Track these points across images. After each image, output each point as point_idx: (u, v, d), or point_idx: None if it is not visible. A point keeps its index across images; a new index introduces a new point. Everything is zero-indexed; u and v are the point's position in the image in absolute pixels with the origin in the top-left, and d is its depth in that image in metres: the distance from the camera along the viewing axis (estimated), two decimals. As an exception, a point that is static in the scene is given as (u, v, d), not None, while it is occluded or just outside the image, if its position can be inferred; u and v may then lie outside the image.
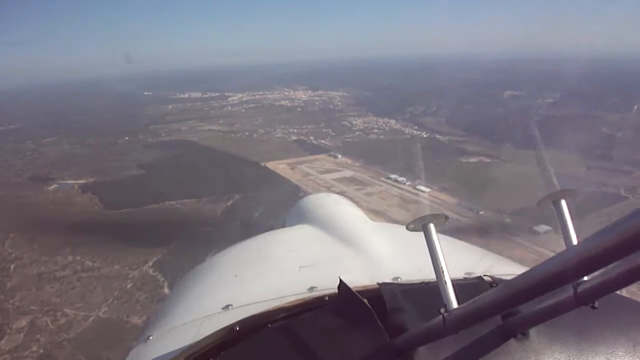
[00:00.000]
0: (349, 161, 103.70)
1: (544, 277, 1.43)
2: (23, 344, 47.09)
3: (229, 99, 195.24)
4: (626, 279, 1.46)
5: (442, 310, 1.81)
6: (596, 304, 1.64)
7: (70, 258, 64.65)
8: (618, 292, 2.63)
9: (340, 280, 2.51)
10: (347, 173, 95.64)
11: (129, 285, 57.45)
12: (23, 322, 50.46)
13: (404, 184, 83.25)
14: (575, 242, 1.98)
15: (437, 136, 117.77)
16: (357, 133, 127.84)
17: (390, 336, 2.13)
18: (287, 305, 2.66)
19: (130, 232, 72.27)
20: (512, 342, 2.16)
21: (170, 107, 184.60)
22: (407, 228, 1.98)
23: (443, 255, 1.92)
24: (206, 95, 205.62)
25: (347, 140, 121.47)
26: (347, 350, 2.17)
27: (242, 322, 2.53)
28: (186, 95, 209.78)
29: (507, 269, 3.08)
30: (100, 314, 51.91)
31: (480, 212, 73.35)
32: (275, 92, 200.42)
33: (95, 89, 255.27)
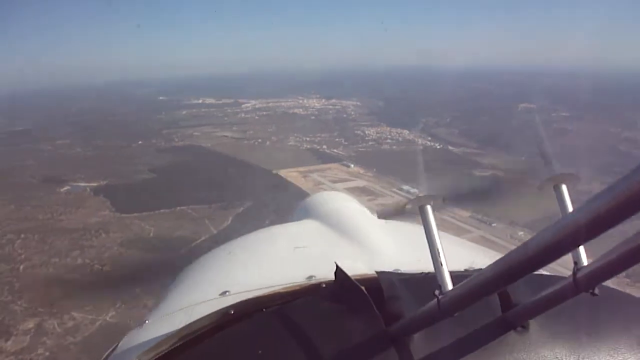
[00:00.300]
0: (362, 171, 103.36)
1: (540, 248, 1.38)
2: (29, 346, 46.92)
3: (243, 105, 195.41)
4: (626, 262, 1.46)
5: (437, 292, 1.80)
6: (596, 291, 1.75)
7: (79, 261, 64.65)
8: (622, 289, 2.72)
9: (337, 266, 2.46)
10: (360, 183, 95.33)
11: (137, 290, 57.19)
12: (30, 323, 50.27)
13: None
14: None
15: (451, 148, 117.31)
16: (370, 143, 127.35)
17: (387, 324, 2.11)
18: (283, 290, 2.62)
19: (140, 236, 72.47)
20: (511, 335, 2.16)
21: (184, 112, 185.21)
22: (404, 209, 1.99)
23: (439, 237, 1.92)
24: (220, 102, 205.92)
25: (360, 149, 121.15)
26: (341, 336, 2.14)
27: (236, 306, 2.51)
28: (200, 101, 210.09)
29: None
30: (108, 318, 51.71)
31: (493, 224, 72.91)
32: (289, 100, 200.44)
33: (110, 93, 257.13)
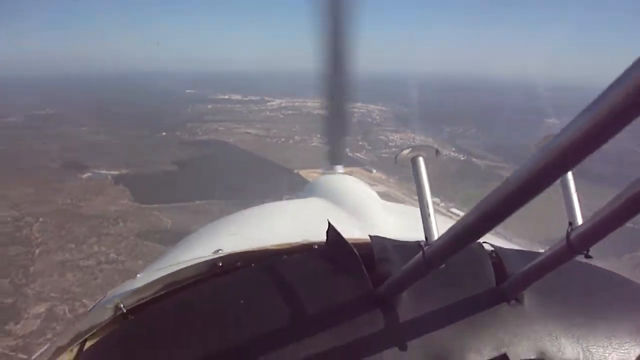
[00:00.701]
0: (384, 176, 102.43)
1: (523, 180, 1.28)
2: (38, 331, 46.81)
3: (268, 103, 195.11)
4: (618, 219, 1.51)
5: (422, 242, 1.81)
6: (590, 254, 1.83)
7: (95, 248, 64.75)
8: (624, 274, 2.70)
9: (329, 224, 2.42)
10: (381, 188, 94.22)
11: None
12: (41, 308, 50.34)
13: (438, 205, 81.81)
14: (576, 201, 2.01)
15: (474, 160, 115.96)
16: (393, 149, 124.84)
17: (377, 286, 2.14)
18: (274, 247, 2.59)
19: (157, 228, 72.41)
20: (504, 307, 2.20)
21: (209, 106, 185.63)
22: (396, 161, 1.99)
23: (429, 189, 1.98)
24: (246, 98, 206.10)
25: (382, 155, 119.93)
26: (327, 294, 2.16)
27: (225, 258, 2.49)
28: (227, 97, 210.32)
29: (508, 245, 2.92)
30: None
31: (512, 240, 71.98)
32: (315, 100, 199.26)
33: (139, 82, 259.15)
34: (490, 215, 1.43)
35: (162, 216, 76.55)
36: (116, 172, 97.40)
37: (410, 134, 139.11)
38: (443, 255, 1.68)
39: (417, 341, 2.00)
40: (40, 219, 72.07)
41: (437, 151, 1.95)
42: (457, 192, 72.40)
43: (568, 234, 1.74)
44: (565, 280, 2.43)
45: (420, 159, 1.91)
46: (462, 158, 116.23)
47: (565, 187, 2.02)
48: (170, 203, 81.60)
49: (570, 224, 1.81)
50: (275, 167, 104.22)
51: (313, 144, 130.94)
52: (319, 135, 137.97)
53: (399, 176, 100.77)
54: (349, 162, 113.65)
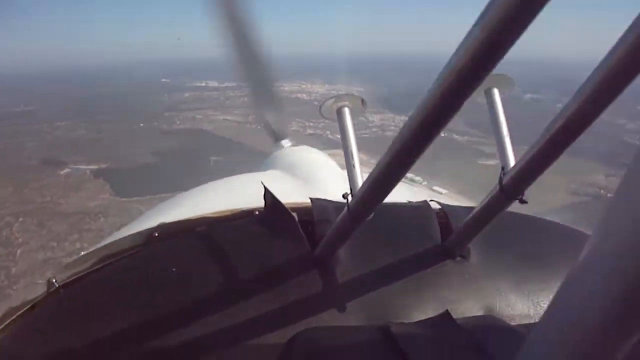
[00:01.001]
0: (365, 157, 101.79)
1: (430, 110, 1.20)
2: (24, 332, 46.32)
3: (246, 89, 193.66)
4: (547, 157, 1.53)
5: (347, 194, 1.80)
6: (525, 198, 1.79)
7: (77, 245, 63.81)
8: (566, 223, 2.68)
9: (265, 188, 2.39)
10: (363, 169, 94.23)
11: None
12: (25, 309, 49.68)
13: (421, 184, 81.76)
14: (508, 144, 1.94)
15: (455, 136, 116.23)
16: (373, 129, 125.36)
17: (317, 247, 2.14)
18: (213, 215, 2.53)
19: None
20: (449, 264, 2.18)
21: (186, 95, 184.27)
22: (321, 111, 1.95)
23: (355, 140, 1.94)
24: (223, 85, 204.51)
25: (363, 136, 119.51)
26: (263, 258, 2.17)
27: (161, 228, 2.43)
28: (203, 84, 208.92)
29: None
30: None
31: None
32: (293, 85, 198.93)
33: (113, 74, 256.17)
34: (405, 152, 1.42)
35: (144, 209, 74.91)
36: (95, 167, 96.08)
37: (391, 115, 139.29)
38: (366, 206, 1.67)
39: (356, 302, 1.99)
40: (20, 219, 71.08)
41: (362, 101, 1.89)
42: (439, 170, 72.24)
43: (500, 179, 1.73)
44: (512, 235, 2.42)
45: (346, 110, 1.86)
46: (442, 135, 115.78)
47: (497, 129, 1.93)
48: (152, 195, 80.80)
49: (503, 168, 1.79)
50: (256, 153, 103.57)
51: (292, 128, 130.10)
52: (298, 120, 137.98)
53: (380, 157, 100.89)
54: (330, 145, 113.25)
